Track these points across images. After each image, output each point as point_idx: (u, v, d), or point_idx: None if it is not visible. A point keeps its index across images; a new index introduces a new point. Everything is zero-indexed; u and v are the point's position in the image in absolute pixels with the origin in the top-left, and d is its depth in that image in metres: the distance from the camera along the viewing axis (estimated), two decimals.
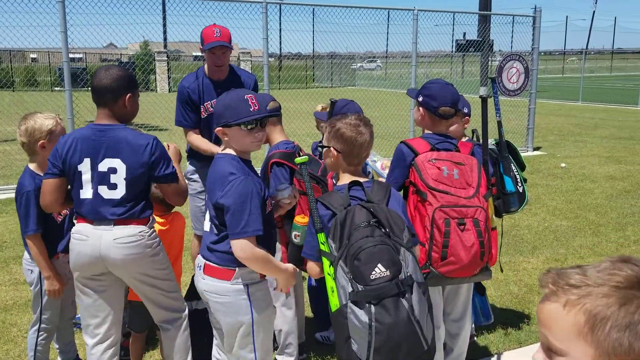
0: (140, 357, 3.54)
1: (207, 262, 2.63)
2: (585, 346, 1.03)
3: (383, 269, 2.20)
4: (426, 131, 3.21)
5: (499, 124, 3.67)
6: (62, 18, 8.15)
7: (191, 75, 4.40)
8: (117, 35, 15.37)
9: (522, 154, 11.82)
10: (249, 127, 2.55)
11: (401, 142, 3.14)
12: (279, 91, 20.28)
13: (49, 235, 3.20)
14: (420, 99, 3.15)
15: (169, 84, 30.22)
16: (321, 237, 2.35)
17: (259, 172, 2.91)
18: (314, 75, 40.63)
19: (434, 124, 3.15)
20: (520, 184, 3.60)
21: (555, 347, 1.06)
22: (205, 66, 4.33)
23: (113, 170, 2.80)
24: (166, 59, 31.14)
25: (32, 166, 3.23)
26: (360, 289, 2.18)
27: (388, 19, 14.00)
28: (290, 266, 2.68)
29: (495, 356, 3.95)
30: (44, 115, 3.20)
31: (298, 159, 2.60)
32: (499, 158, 3.57)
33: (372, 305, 2.17)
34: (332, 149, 2.55)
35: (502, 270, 3.93)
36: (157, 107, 12.22)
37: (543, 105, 23.45)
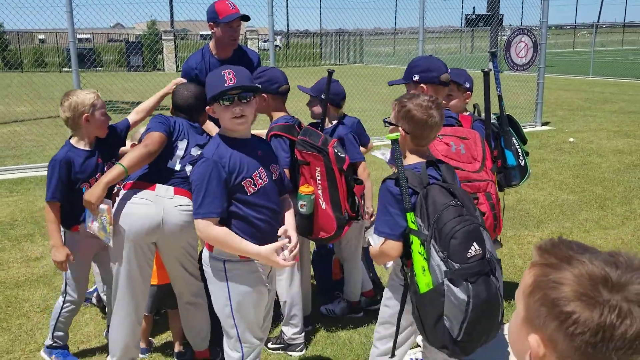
0: (181, 331, 3.59)
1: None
2: (522, 307, 1.09)
3: (477, 248, 2.26)
4: None
5: (500, 97, 3.68)
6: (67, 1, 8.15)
7: (196, 55, 4.28)
8: (123, 15, 15.27)
9: (531, 129, 11.80)
10: (225, 103, 2.55)
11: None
12: (286, 69, 20.25)
13: (75, 207, 3.23)
14: (417, 77, 3.13)
15: (176, 63, 30.17)
16: (410, 216, 2.34)
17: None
18: (321, 52, 40.39)
19: (439, 94, 3.14)
20: (521, 158, 3.61)
21: (515, 300, 1.14)
22: (211, 44, 4.21)
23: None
24: (173, 38, 31.02)
25: (73, 140, 3.37)
26: (457, 267, 2.22)
27: None
28: (263, 249, 2.53)
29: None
30: (84, 90, 3.35)
31: (390, 135, 2.47)
32: (500, 132, 3.57)
33: (469, 283, 2.22)
34: (400, 128, 2.50)
35: (501, 245, 3.95)
36: (164, 86, 12.17)
37: (553, 80, 23.22)
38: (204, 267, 2.73)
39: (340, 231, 3.41)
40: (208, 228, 2.50)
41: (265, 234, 2.61)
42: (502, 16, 25.96)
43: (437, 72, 3.11)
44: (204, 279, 3.15)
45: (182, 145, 3.13)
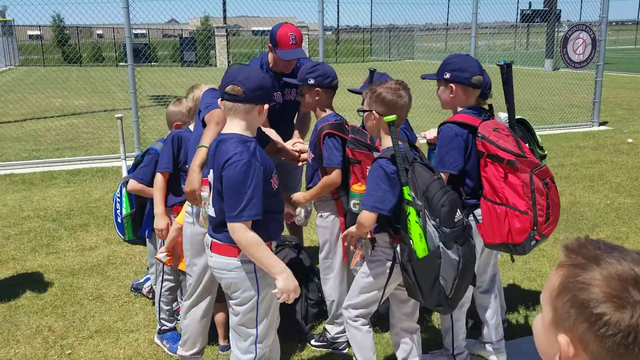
0: (226, 325, 3.66)
1: (214, 240, 2.66)
2: (549, 309, 1.07)
3: (460, 214, 2.62)
4: (458, 109, 3.14)
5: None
6: None
7: (255, 63, 4.25)
8: (178, 10, 15.57)
9: (587, 129, 11.45)
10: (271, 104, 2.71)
11: (444, 123, 3.07)
12: (336, 65, 20.22)
13: (173, 187, 3.58)
14: (448, 75, 3.06)
15: (228, 59, 30.57)
16: (407, 189, 2.61)
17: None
18: (371, 48, 40.17)
19: (468, 96, 3.10)
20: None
21: (541, 303, 1.12)
22: (270, 57, 4.14)
23: None
24: (225, 34, 31.43)
25: (191, 126, 3.62)
26: (447, 232, 2.54)
27: None
28: (288, 270, 2.55)
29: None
30: (206, 85, 3.60)
31: (387, 118, 2.69)
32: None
33: (458, 245, 2.56)
34: (373, 112, 2.77)
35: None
36: (217, 81, 12.36)
37: (612, 78, 22.41)
38: (223, 275, 2.67)
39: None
40: (247, 231, 2.49)
41: (280, 226, 2.80)
42: (560, 11, 25.25)
43: (469, 73, 3.04)
44: None
45: None
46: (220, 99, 2.67)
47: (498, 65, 3.17)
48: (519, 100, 16.13)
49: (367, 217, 2.71)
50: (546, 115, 13.27)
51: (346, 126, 3.50)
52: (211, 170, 2.62)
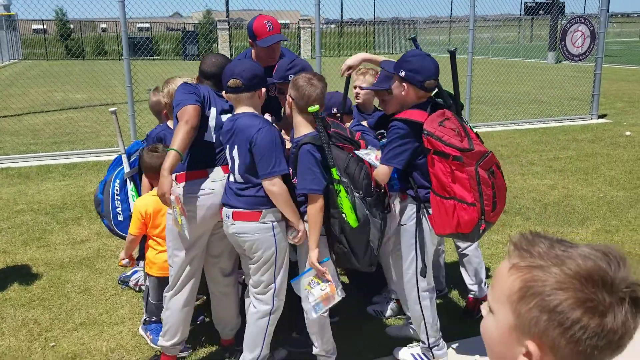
0: None
1: (235, 210, 3.02)
2: (509, 313, 1.02)
3: (374, 184, 3.04)
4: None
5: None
6: None
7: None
8: (182, 4, 15.60)
9: (586, 122, 11.42)
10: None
11: (393, 119, 3.13)
12: (338, 58, 20.17)
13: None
14: (403, 73, 3.09)
15: (230, 52, 30.53)
16: (334, 170, 2.92)
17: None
18: (374, 41, 40.07)
19: (419, 97, 3.14)
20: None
21: (490, 304, 1.07)
22: (253, 53, 4.09)
23: None
24: (228, 27, 31.41)
25: (170, 122, 3.73)
26: (369, 200, 2.95)
27: None
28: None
29: None
30: (181, 78, 3.63)
31: (310, 108, 2.93)
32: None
33: (378, 211, 2.98)
34: (288, 96, 3.05)
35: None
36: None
37: (615, 71, 22.28)
38: (247, 238, 3.03)
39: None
40: (281, 183, 2.93)
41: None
42: (564, 4, 25.09)
43: (422, 77, 3.07)
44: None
45: (212, 114, 3.19)
46: (224, 92, 3.07)
47: (448, 52, 3.34)
48: (520, 92, 16.11)
49: (313, 201, 2.93)
50: (546, 108, 13.22)
51: (327, 121, 3.52)
52: (235, 146, 3.01)
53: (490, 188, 2.96)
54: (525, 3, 34.48)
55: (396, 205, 3.35)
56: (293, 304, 3.27)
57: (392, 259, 3.55)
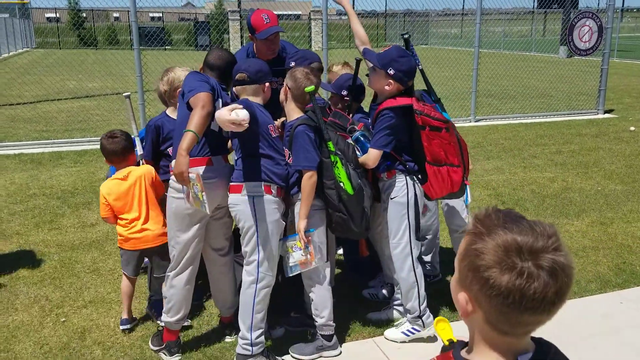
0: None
1: (230, 183, 3.32)
2: (456, 270, 1.24)
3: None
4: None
5: (422, 72, 3.88)
6: None
7: (241, 53, 4.35)
8: None
9: (592, 117, 11.46)
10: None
11: (384, 109, 3.37)
12: (349, 50, 20.22)
13: (156, 167, 3.90)
14: (392, 72, 3.36)
15: (241, 43, 30.66)
16: (331, 144, 3.30)
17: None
18: (385, 34, 40.02)
19: (399, 90, 3.44)
20: None
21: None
22: (254, 47, 4.21)
23: None
24: (239, 18, 31.53)
25: (169, 110, 3.91)
26: (359, 171, 3.35)
27: None
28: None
29: None
30: (181, 68, 3.86)
31: (307, 88, 3.26)
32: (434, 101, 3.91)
33: (365, 180, 3.39)
34: (285, 86, 3.38)
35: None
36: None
37: (627, 66, 22.22)
38: (232, 208, 3.30)
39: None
40: None
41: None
42: None
43: (409, 79, 3.43)
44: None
45: (219, 105, 3.31)
46: (233, 85, 3.37)
47: (403, 37, 3.84)
48: (529, 86, 16.16)
49: (307, 177, 3.24)
50: (553, 102, 13.28)
51: (328, 110, 3.69)
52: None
53: (466, 150, 3.61)
54: None
55: (385, 184, 3.57)
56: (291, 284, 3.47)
57: (384, 239, 3.75)
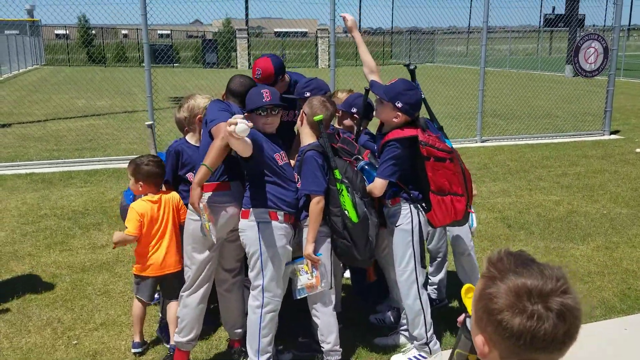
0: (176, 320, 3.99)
1: (242, 209, 3.44)
2: (473, 311, 1.35)
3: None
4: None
5: (424, 100, 3.91)
6: (142, 3, 8.69)
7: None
8: (202, 11, 16.00)
9: (597, 138, 11.48)
10: (262, 113, 3.42)
11: (391, 140, 3.45)
12: (354, 68, 20.37)
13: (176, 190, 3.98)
14: (400, 105, 3.44)
15: (248, 61, 30.93)
16: (337, 172, 3.42)
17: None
18: (391, 51, 40.28)
19: (406, 121, 3.51)
20: None
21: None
22: None
23: None
24: (247, 36, 31.84)
25: (188, 136, 3.95)
26: (365, 200, 3.44)
27: None
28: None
29: None
30: (201, 96, 3.97)
31: (316, 117, 3.42)
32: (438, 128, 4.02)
33: (372, 209, 3.49)
34: (302, 112, 3.56)
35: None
36: None
37: (634, 86, 22.30)
38: (241, 234, 3.41)
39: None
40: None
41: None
42: (584, 16, 25.06)
43: (415, 110, 3.52)
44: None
45: None
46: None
47: (409, 68, 3.99)
48: (535, 106, 16.23)
49: (315, 202, 3.36)
50: (559, 123, 13.35)
51: (337, 137, 3.79)
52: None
53: (469, 179, 3.64)
54: (545, 15, 34.47)
55: (389, 211, 3.64)
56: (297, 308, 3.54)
57: (391, 263, 3.81)
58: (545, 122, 13.55)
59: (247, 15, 32.11)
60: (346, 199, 3.38)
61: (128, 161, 3.99)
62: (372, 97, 3.96)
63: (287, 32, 39.40)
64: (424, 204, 3.60)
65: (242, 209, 3.43)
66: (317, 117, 3.44)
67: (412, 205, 3.57)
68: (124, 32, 44.75)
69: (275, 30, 41.35)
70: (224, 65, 30.78)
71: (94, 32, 37.58)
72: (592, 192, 7.57)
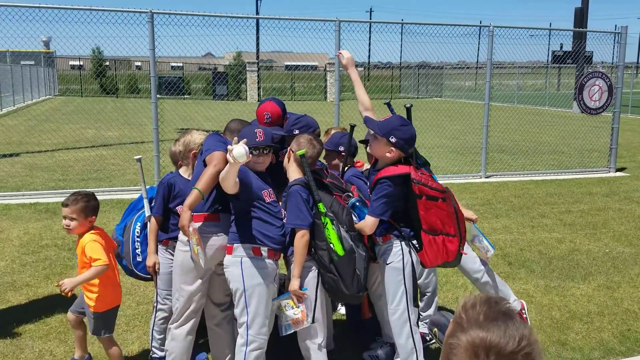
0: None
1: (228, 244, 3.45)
2: (443, 353, 1.38)
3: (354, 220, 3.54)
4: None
5: None
6: (150, 37, 8.88)
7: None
8: (214, 44, 16.27)
9: (603, 175, 11.43)
10: (255, 152, 3.40)
11: (383, 177, 3.46)
12: None
13: (167, 222, 3.93)
14: (394, 140, 3.46)
15: (258, 94, 31.29)
16: (321, 206, 3.41)
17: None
18: (400, 85, 40.60)
19: (400, 157, 3.54)
20: None
21: None
22: None
23: None
24: (257, 69, 32.27)
25: (182, 170, 4.00)
26: (352, 234, 3.43)
27: (479, 32, 12.58)
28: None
29: None
30: (197, 131, 4.02)
31: (299, 152, 3.45)
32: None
33: (360, 243, 3.45)
34: (289, 149, 3.60)
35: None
36: (246, 115, 12.74)
37: None
38: (225, 269, 3.41)
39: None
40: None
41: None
42: (592, 53, 25.21)
43: (409, 145, 3.53)
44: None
45: None
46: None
47: (405, 107, 3.94)
48: (541, 142, 16.24)
49: (299, 236, 3.37)
50: (565, 159, 13.33)
51: (325, 172, 3.83)
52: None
53: (462, 220, 3.55)
54: (553, 52, 34.70)
55: (380, 248, 3.63)
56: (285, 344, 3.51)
57: (382, 301, 3.79)
58: (551, 157, 13.54)
59: (257, 48, 32.62)
60: (331, 232, 3.38)
61: (132, 192, 4.04)
62: (357, 136, 4.03)
63: (297, 65, 39.91)
64: (415, 242, 3.58)
65: (229, 243, 3.43)
66: (300, 152, 3.47)
67: (403, 243, 3.56)
68: (137, 63, 45.51)
69: (286, 63, 41.89)
70: (234, 98, 31.16)
71: (107, 63, 38.24)
72: (595, 230, 7.51)
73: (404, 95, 37.13)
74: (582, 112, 11.93)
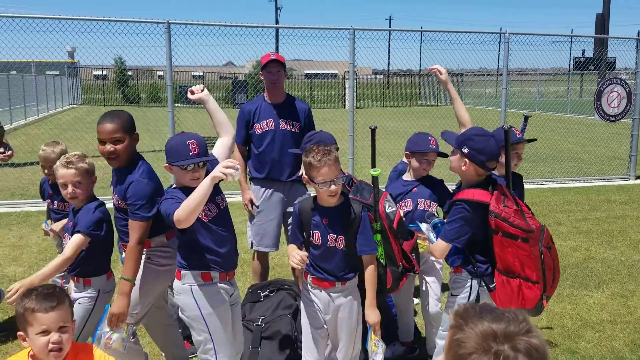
0: None
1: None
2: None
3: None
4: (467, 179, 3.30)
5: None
6: (167, 47, 9.03)
7: (253, 101, 4.99)
8: (235, 53, 16.52)
9: (623, 182, 11.25)
10: (188, 168, 3.04)
11: (459, 200, 3.20)
12: (383, 109, 20.47)
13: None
14: (466, 150, 3.18)
15: None
16: (377, 224, 3.39)
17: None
18: (419, 93, 40.49)
19: (478, 173, 3.23)
20: None
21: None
22: (265, 93, 4.92)
23: None
24: None
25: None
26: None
27: (500, 39, 12.36)
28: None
29: None
30: (61, 159, 3.75)
31: (374, 172, 3.38)
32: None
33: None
34: (303, 175, 3.41)
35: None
36: None
37: None
38: (176, 296, 3.17)
39: (396, 283, 3.53)
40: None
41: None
42: (614, 59, 24.88)
43: (486, 157, 3.17)
44: None
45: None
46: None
47: (504, 130, 3.28)
48: (562, 149, 16.07)
49: (373, 259, 3.25)
50: (585, 166, 13.18)
51: (349, 186, 3.75)
52: None
53: (552, 265, 3.05)
54: (575, 58, 34.36)
55: (452, 276, 3.44)
56: None
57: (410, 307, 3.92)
58: (570, 165, 13.39)
59: None
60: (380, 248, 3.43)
61: None
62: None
63: (317, 73, 40.06)
64: (488, 282, 3.20)
65: (178, 267, 3.13)
66: (375, 173, 3.43)
67: (474, 281, 3.23)
68: (159, 73, 46.11)
69: (306, 72, 42.08)
70: None
71: (129, 72, 38.83)
72: (611, 238, 7.41)
73: (424, 103, 37.03)
74: (601, 119, 11.79)
